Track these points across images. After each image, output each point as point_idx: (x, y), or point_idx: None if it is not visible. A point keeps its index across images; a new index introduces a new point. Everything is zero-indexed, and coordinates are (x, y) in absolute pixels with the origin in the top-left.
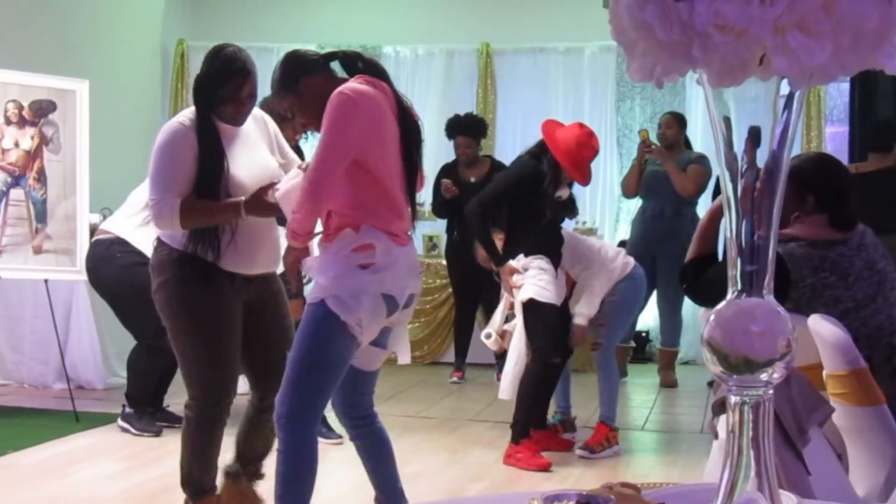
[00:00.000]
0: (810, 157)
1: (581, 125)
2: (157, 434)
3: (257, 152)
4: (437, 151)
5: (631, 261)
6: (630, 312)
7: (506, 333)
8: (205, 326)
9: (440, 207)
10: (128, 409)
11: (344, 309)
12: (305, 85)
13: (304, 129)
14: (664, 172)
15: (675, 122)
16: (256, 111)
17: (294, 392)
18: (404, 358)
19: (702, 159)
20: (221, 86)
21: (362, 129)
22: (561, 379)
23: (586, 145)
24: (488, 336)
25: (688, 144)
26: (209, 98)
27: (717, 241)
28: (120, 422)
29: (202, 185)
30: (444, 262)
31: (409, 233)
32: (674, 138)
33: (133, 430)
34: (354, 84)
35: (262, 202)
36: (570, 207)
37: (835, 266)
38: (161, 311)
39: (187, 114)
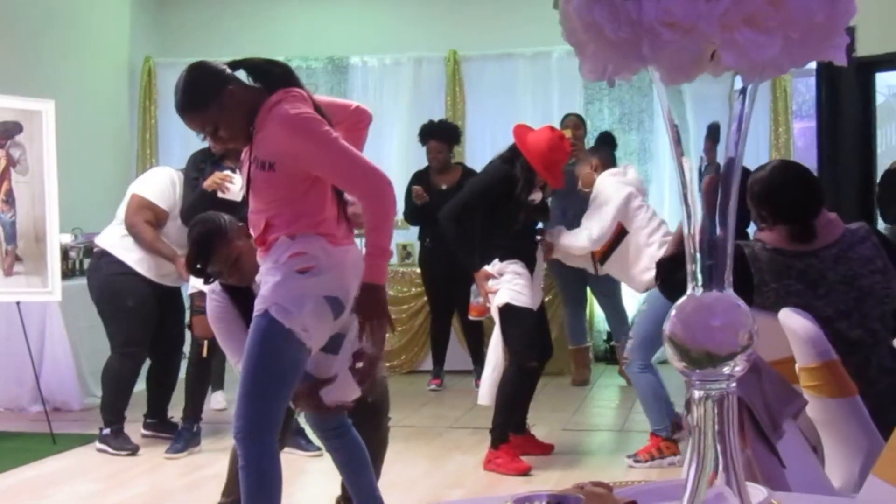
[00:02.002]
0: (764, 176)
1: (552, 128)
2: (134, 452)
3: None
4: (407, 159)
5: None
6: (657, 324)
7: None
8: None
9: (412, 215)
10: (104, 431)
11: (286, 316)
12: (229, 94)
13: (223, 144)
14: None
15: (582, 124)
16: None
17: (248, 405)
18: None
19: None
20: (197, 269)
21: (332, 133)
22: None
23: (558, 148)
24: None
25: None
26: (202, 276)
27: None
28: (98, 444)
29: None
30: (418, 270)
31: (352, 232)
32: (582, 139)
33: (110, 451)
34: (287, 105)
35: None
36: (543, 211)
37: (802, 276)
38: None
39: (213, 286)
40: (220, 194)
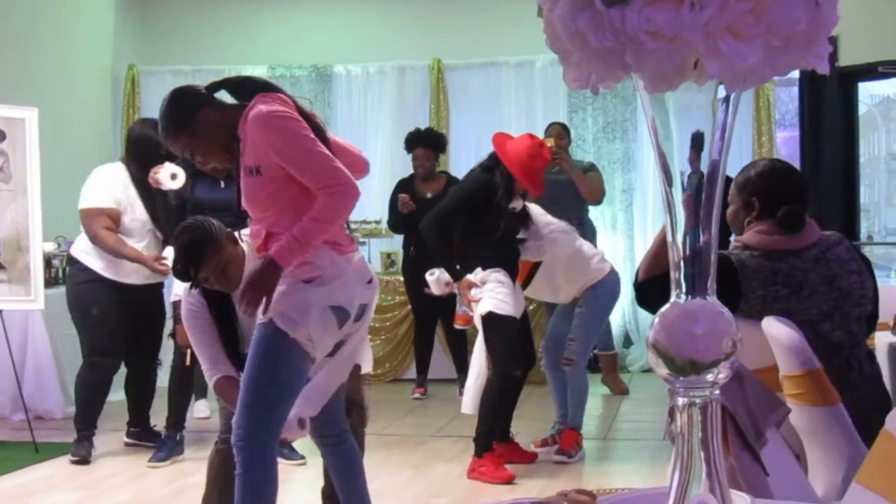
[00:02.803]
0: (756, 164)
1: (531, 136)
2: (85, 460)
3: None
4: (392, 168)
5: (608, 266)
6: (601, 321)
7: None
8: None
9: (396, 223)
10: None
11: (291, 325)
12: (202, 120)
13: (202, 166)
14: (565, 181)
15: (566, 133)
16: None
17: (249, 413)
18: (367, 366)
19: (594, 167)
20: (187, 274)
21: (308, 132)
22: (558, 388)
23: (538, 155)
24: (431, 273)
25: None
26: (189, 282)
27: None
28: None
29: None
30: (402, 278)
31: (354, 238)
32: (566, 148)
33: (72, 457)
34: (263, 106)
35: (258, 287)
36: (523, 219)
37: (788, 279)
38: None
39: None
40: (162, 187)
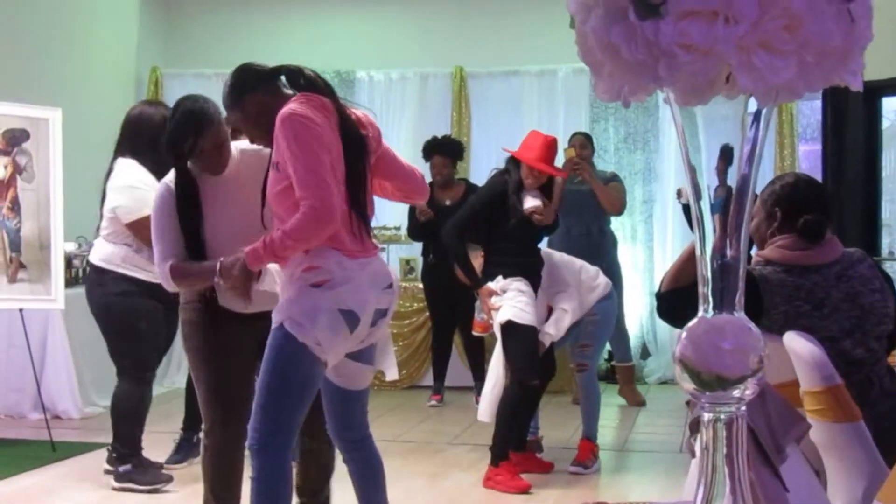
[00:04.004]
0: (782, 177)
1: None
2: (170, 480)
3: (242, 197)
4: None
5: (609, 281)
6: (607, 331)
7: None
8: (216, 355)
9: (415, 231)
10: (123, 468)
11: (300, 330)
12: (249, 102)
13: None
14: (587, 191)
15: (588, 143)
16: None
17: (263, 418)
18: (391, 373)
19: (617, 177)
20: (183, 141)
21: (321, 144)
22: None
23: (535, 135)
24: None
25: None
26: (178, 152)
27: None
28: (115, 482)
29: (189, 248)
30: (420, 285)
31: (375, 244)
32: (589, 158)
33: (140, 488)
34: (294, 105)
35: (233, 280)
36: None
37: (810, 295)
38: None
39: (168, 179)
40: None
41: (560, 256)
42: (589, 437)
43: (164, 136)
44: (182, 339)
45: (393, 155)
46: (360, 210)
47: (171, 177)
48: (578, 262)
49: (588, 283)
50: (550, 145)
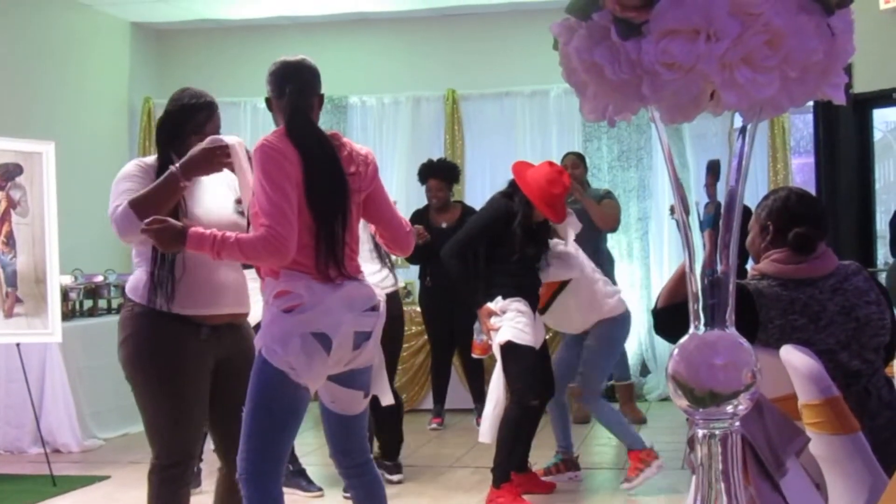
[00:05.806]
0: (776, 191)
1: (551, 163)
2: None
3: (216, 191)
4: (407, 198)
5: (624, 307)
6: (610, 356)
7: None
8: (166, 383)
9: (412, 254)
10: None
11: (274, 356)
12: (272, 105)
13: None
14: (581, 210)
15: (581, 162)
16: None
17: (251, 447)
18: (385, 399)
19: (611, 194)
20: (190, 119)
21: (288, 177)
22: (559, 417)
23: (556, 182)
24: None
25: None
26: (175, 132)
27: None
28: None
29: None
30: (418, 308)
31: (358, 267)
32: (581, 177)
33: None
34: (270, 137)
35: (195, 159)
36: (539, 243)
37: (806, 308)
38: (123, 366)
39: (148, 158)
40: None
41: (588, 260)
42: (631, 448)
43: (171, 112)
44: (125, 358)
45: (383, 200)
46: (330, 242)
47: (142, 160)
48: (599, 276)
49: (602, 290)
50: (564, 189)
